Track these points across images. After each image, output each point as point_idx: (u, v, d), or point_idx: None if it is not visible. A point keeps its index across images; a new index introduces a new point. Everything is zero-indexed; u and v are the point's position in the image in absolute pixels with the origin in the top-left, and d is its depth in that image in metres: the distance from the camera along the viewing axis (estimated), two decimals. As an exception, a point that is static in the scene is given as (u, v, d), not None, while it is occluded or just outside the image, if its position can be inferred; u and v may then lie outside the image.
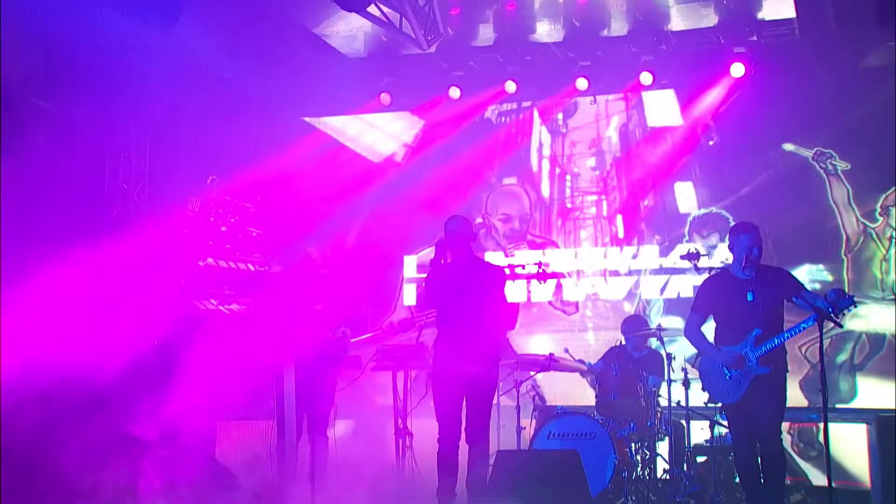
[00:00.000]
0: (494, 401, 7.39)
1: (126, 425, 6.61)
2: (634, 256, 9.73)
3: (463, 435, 6.23)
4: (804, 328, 5.84)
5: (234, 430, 7.77)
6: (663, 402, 7.41)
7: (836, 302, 5.62)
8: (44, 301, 6.35)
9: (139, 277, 7.74)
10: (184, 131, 8.68)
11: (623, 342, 8.06)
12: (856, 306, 5.76)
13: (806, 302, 5.83)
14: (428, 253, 10.11)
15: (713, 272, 6.49)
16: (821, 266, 9.03)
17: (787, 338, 5.86)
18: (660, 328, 7.67)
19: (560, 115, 10.34)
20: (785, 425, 8.56)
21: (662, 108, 9.82)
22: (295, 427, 6.62)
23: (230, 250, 9.71)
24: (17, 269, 6.28)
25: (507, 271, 8.31)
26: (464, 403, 6.23)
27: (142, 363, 7.05)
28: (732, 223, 9.00)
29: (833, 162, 9.11)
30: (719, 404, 6.49)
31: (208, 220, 9.51)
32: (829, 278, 8.97)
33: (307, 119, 10.53)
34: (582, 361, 8.03)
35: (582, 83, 9.67)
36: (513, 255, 10.07)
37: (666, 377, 7.38)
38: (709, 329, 6.16)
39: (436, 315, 6.50)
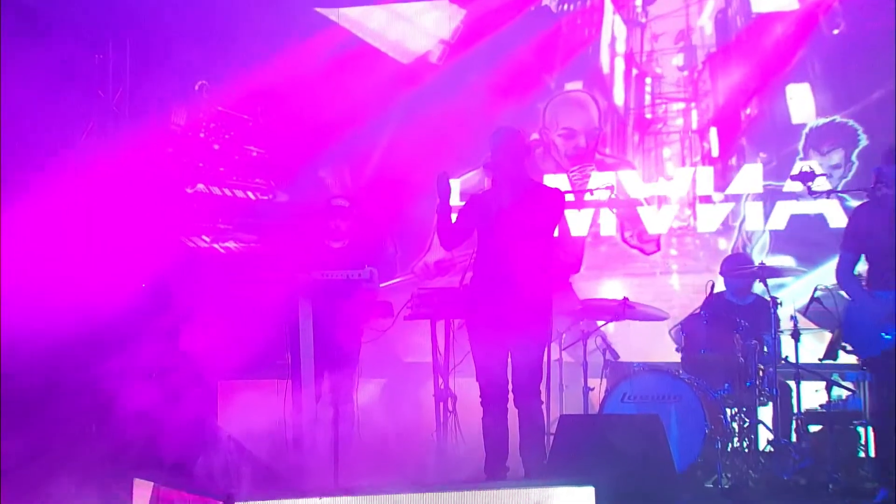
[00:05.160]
0: (555, 356, 7.67)
1: (109, 388, 6.88)
2: (732, 179, 9.82)
3: (511, 397, 6.39)
4: None
5: (240, 392, 8.03)
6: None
7: None
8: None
9: (119, 207, 8.00)
10: (168, 26, 8.84)
11: (711, 288, 8.07)
12: None
13: None
14: (472, 177, 10.31)
15: (867, 200, 6.55)
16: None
17: None
18: (763, 267, 7.75)
19: (639, 1, 10.37)
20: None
21: (771, -13, 9.81)
22: (314, 389, 6.87)
23: (225, 174, 9.92)
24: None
25: (571, 196, 8.51)
26: (509, 358, 6.37)
27: (124, 311, 7.31)
28: (863, 136, 9.09)
29: None
30: (855, 360, 6.68)
31: (197, 137, 9.72)
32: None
33: (320, 10, 10.66)
34: None
35: (667, -42, 9.75)
36: (578, 179, 10.18)
37: (772, 329, 7.53)
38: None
39: (475, 250, 6.57)
